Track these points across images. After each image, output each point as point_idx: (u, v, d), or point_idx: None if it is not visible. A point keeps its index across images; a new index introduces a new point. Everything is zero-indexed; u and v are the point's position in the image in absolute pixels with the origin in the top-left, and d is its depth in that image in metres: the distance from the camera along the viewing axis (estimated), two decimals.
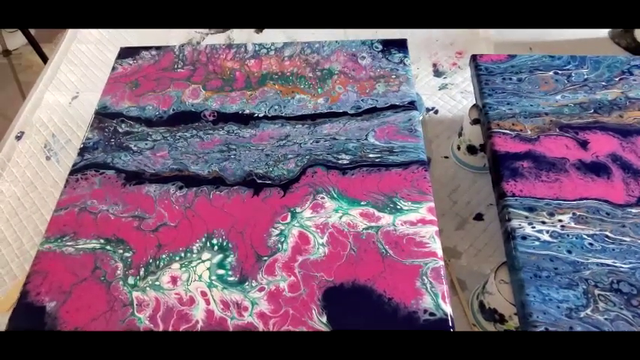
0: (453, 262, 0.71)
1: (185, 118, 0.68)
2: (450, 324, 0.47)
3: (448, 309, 0.48)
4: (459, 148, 0.82)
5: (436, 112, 0.93)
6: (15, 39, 1.93)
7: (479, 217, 0.76)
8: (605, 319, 0.48)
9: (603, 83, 0.71)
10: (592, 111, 0.68)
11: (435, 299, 0.48)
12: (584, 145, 0.64)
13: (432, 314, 0.47)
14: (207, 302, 0.49)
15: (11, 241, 0.75)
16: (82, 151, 0.64)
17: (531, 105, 0.69)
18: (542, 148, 0.63)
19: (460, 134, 0.81)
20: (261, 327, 0.47)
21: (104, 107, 0.70)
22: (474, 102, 0.76)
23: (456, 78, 0.98)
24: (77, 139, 0.87)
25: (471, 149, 0.79)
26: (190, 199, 0.58)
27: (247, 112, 0.68)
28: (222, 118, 0.68)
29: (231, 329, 0.47)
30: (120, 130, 0.67)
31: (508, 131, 0.66)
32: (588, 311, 0.49)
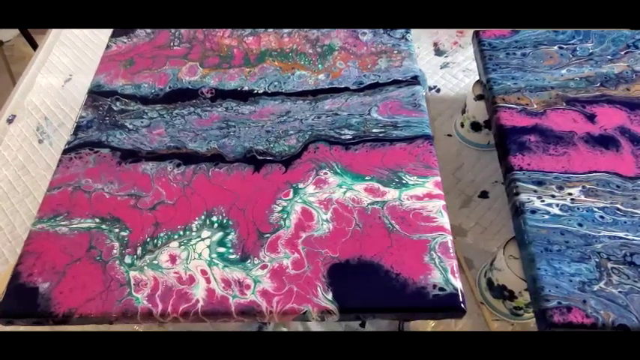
0: (459, 241, 0.69)
1: (182, 96, 0.65)
2: (461, 299, 0.45)
3: (458, 284, 0.46)
4: (462, 125, 0.80)
5: (438, 90, 0.91)
6: (7, 30, 1.89)
7: (484, 194, 0.75)
8: (619, 292, 0.47)
9: (609, 57, 0.69)
10: (598, 84, 0.66)
11: (445, 274, 0.47)
12: (591, 118, 0.62)
13: (441, 289, 0.46)
14: (208, 281, 0.47)
15: (3, 225, 0.73)
16: (76, 129, 0.62)
17: (536, 79, 0.67)
18: (549, 122, 0.62)
19: (464, 111, 0.79)
20: (264, 305, 0.45)
21: (98, 86, 0.67)
22: (477, 79, 0.74)
23: (457, 57, 0.96)
24: (70, 122, 0.85)
25: (475, 126, 0.77)
26: (189, 176, 0.56)
27: (246, 88, 0.66)
28: (221, 94, 0.65)
29: (233, 308, 0.45)
30: (114, 108, 0.64)
31: (514, 106, 0.64)
32: (602, 284, 0.48)
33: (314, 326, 0.60)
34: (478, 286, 0.64)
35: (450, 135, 0.84)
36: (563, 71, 0.68)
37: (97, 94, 0.66)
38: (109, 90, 0.66)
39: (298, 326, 0.60)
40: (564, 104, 0.64)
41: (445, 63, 0.95)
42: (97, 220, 0.52)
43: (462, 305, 0.45)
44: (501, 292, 0.58)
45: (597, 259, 0.49)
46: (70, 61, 0.96)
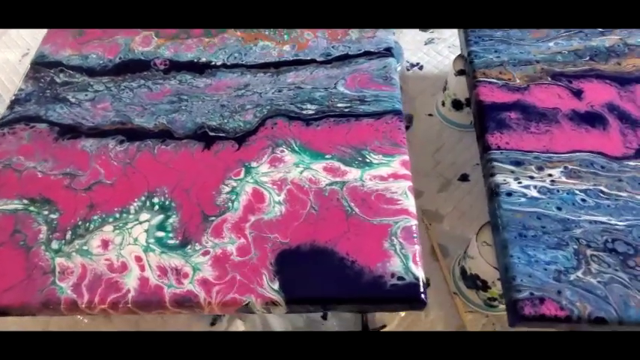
0: (435, 226, 0.65)
1: (133, 67, 0.60)
2: (422, 289, 0.41)
3: (419, 272, 0.41)
4: (443, 104, 0.75)
5: (421, 67, 0.85)
6: None
7: (464, 177, 0.70)
8: (599, 282, 0.43)
9: (600, 29, 0.64)
10: (587, 58, 0.61)
11: (405, 262, 0.42)
12: (578, 94, 0.57)
13: (400, 278, 0.41)
14: (142, 268, 0.42)
15: None
16: (12, 103, 0.56)
17: (521, 52, 0.61)
18: (532, 98, 0.57)
19: (445, 88, 0.74)
20: (202, 296, 0.41)
21: (42, 56, 0.62)
22: (459, 54, 0.69)
23: (443, 32, 0.90)
24: None
25: (457, 104, 0.72)
26: (132, 154, 0.51)
27: (204, 60, 0.61)
28: (175, 66, 0.60)
29: (167, 299, 0.41)
30: (57, 80, 0.59)
31: (495, 80, 0.59)
32: (579, 273, 0.43)
33: (273, 319, 0.56)
34: (452, 275, 0.60)
35: (431, 115, 0.78)
36: (551, 44, 0.63)
37: (40, 65, 0.60)
38: (54, 61, 0.61)
39: (256, 319, 0.56)
40: (549, 79, 0.59)
41: (430, 39, 0.89)
42: (25, 202, 0.47)
43: (423, 296, 0.40)
44: (474, 282, 0.54)
45: (576, 246, 0.45)
46: (29, 34, 0.90)
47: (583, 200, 0.48)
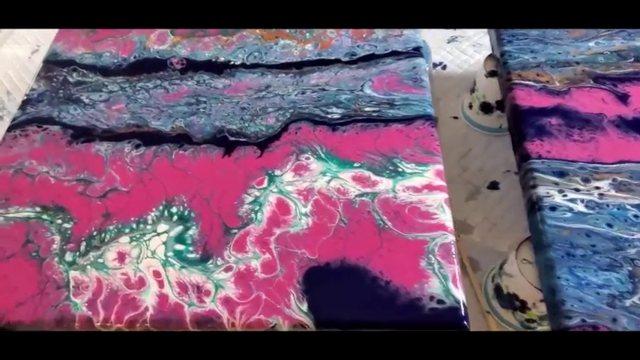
0: (464, 238, 0.61)
1: (148, 67, 0.57)
2: (463, 314, 0.37)
3: (460, 295, 0.38)
4: (470, 106, 0.71)
5: (444, 67, 0.81)
6: None
7: (494, 185, 0.66)
8: None
9: None
10: (632, 60, 0.57)
11: (445, 283, 0.39)
12: (623, 98, 0.54)
13: (440, 302, 0.38)
14: (161, 284, 0.40)
15: None
16: (24, 103, 0.54)
17: (559, 53, 0.58)
18: (574, 102, 0.53)
19: (473, 90, 0.70)
20: (225, 316, 0.38)
21: (54, 54, 0.59)
22: (489, 53, 0.65)
23: (467, 29, 0.86)
24: None
25: (486, 107, 0.69)
26: (148, 159, 0.48)
27: (222, 59, 0.58)
28: (192, 66, 0.57)
29: (187, 318, 0.38)
30: (70, 79, 0.56)
31: (532, 83, 0.55)
32: (635, 299, 0.40)
33: None
34: (484, 292, 0.57)
35: (456, 117, 0.75)
36: (591, 44, 0.59)
37: (52, 64, 0.58)
38: (66, 59, 0.58)
39: None
40: (592, 82, 0.55)
41: (453, 37, 0.86)
42: (38, 209, 0.45)
43: (465, 322, 0.37)
44: (512, 302, 0.50)
45: (630, 268, 0.41)
46: (39, 30, 0.87)
47: (635, 216, 0.44)
